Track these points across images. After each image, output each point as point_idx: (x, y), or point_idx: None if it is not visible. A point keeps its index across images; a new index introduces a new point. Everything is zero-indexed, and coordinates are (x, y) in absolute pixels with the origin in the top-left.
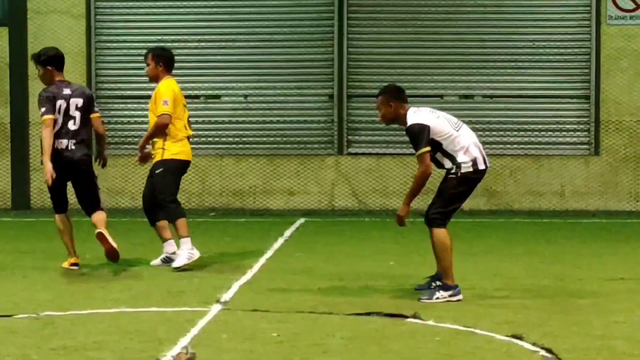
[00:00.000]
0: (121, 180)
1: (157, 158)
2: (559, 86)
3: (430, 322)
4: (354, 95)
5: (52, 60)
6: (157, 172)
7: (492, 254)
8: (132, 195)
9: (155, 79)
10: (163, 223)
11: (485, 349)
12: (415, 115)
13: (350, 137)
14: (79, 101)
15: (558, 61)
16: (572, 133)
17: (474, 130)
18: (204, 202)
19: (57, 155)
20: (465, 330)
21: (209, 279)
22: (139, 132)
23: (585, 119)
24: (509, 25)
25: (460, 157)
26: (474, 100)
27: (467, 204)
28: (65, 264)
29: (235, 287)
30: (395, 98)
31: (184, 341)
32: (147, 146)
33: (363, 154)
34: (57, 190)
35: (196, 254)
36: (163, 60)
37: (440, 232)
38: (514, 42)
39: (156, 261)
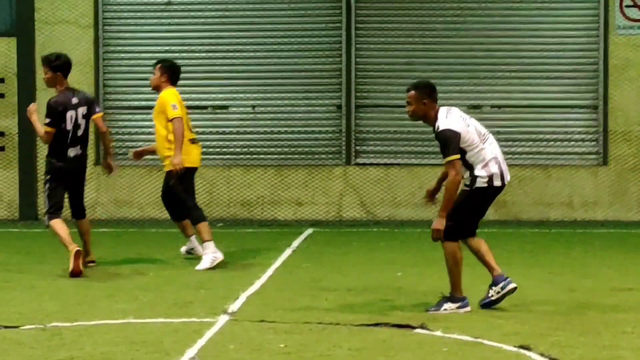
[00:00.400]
0: (128, 191)
1: (167, 169)
2: (567, 96)
3: (438, 333)
4: (362, 106)
5: (64, 67)
6: (170, 183)
7: (500, 264)
8: (140, 206)
9: (157, 88)
10: (187, 222)
11: None
12: (448, 119)
13: (358, 147)
14: (84, 109)
15: (566, 71)
16: (580, 143)
17: None
18: (212, 213)
19: (67, 163)
20: (473, 341)
21: (216, 289)
22: (146, 143)
23: (593, 129)
24: (517, 36)
25: (478, 171)
26: (482, 110)
27: None
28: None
29: (242, 297)
30: (429, 96)
31: (191, 352)
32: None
33: (371, 164)
34: (61, 192)
35: (219, 257)
36: (169, 73)
37: (449, 246)
38: (522, 52)
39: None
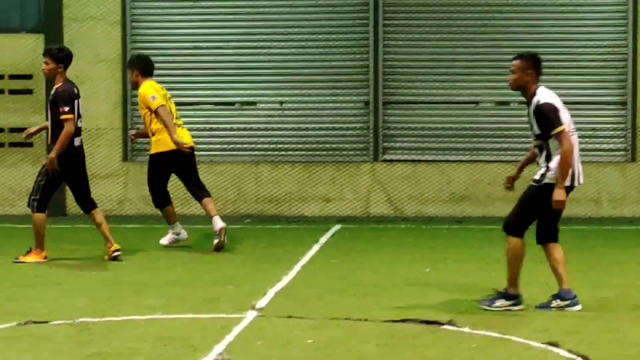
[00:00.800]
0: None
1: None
2: (595, 92)
3: (466, 329)
4: (390, 102)
5: (67, 59)
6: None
7: (527, 261)
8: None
9: (135, 85)
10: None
11: (521, 357)
12: (548, 96)
13: (385, 144)
14: (80, 100)
15: (594, 67)
16: (608, 140)
17: (509, 136)
18: (239, 209)
19: (75, 152)
20: (501, 337)
21: (244, 285)
22: None
23: (622, 125)
24: (545, 32)
25: (553, 163)
26: (509, 106)
27: (502, 211)
28: None
29: (270, 293)
30: (534, 68)
31: (219, 348)
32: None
33: (398, 160)
34: (54, 188)
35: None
36: (138, 68)
37: (512, 241)
38: (549, 49)
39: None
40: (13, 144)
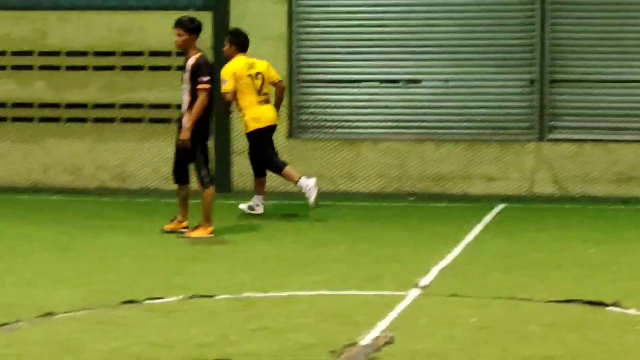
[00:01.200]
0: (320, 164)
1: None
2: None
3: (632, 311)
4: (556, 81)
5: (199, 29)
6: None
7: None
8: (332, 179)
9: (228, 57)
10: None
11: None
12: None
13: (551, 123)
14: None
15: None
16: None
17: None
18: (403, 187)
19: (207, 124)
20: None
21: (407, 263)
22: (339, 117)
23: None
24: None
25: None
26: None
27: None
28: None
29: (434, 272)
30: None
31: (382, 325)
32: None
33: (564, 140)
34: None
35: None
36: (235, 43)
37: None
38: None
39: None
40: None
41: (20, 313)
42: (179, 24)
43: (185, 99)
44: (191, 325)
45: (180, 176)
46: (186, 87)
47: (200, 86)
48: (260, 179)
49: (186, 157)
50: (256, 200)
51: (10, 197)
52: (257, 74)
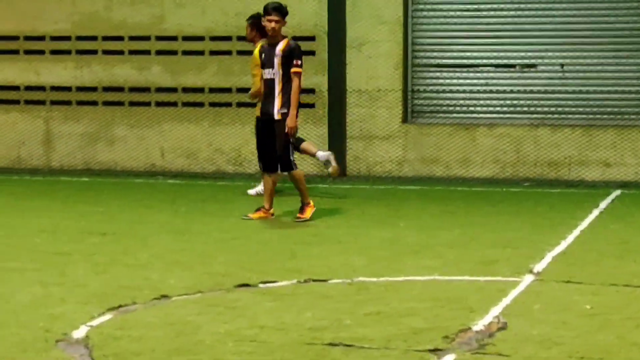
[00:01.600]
0: (435, 149)
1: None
2: None
3: None
4: None
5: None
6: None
7: None
8: (446, 164)
9: (252, 40)
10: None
11: None
12: None
13: None
14: None
15: None
16: None
17: None
18: (519, 172)
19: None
20: None
21: (521, 249)
22: (454, 101)
23: None
24: None
25: None
26: None
27: None
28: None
29: (548, 257)
30: None
31: (496, 311)
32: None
33: None
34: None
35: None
36: (257, 27)
37: None
38: None
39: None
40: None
41: (135, 295)
42: (277, 10)
43: (276, 84)
44: (304, 309)
45: (272, 164)
46: (276, 72)
47: (296, 69)
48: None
49: (281, 144)
50: (260, 187)
51: (127, 180)
52: None
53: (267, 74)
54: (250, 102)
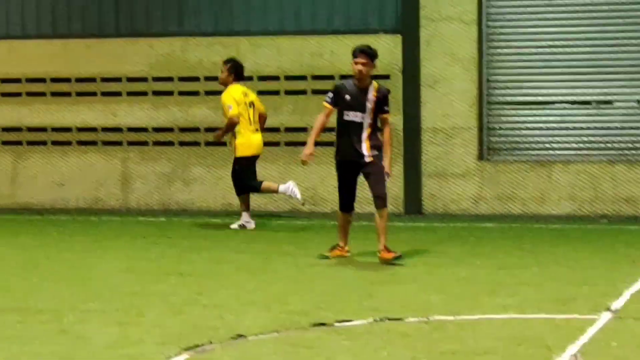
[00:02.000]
0: (511, 186)
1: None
2: None
3: None
4: None
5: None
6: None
7: None
8: (523, 202)
9: (223, 84)
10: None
11: None
12: None
13: None
14: None
15: None
16: None
17: None
18: (596, 209)
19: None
20: None
21: (599, 286)
22: (530, 138)
23: None
24: None
25: None
26: None
27: None
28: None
29: (626, 295)
30: None
31: (573, 349)
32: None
33: None
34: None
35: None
36: (233, 71)
37: None
38: None
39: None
40: None
41: (212, 335)
42: (364, 52)
43: (364, 128)
44: (381, 348)
45: (351, 204)
46: (366, 116)
47: (387, 116)
48: (243, 196)
49: (382, 183)
50: (245, 217)
51: (204, 220)
52: (251, 102)
53: (353, 116)
54: (328, 142)
